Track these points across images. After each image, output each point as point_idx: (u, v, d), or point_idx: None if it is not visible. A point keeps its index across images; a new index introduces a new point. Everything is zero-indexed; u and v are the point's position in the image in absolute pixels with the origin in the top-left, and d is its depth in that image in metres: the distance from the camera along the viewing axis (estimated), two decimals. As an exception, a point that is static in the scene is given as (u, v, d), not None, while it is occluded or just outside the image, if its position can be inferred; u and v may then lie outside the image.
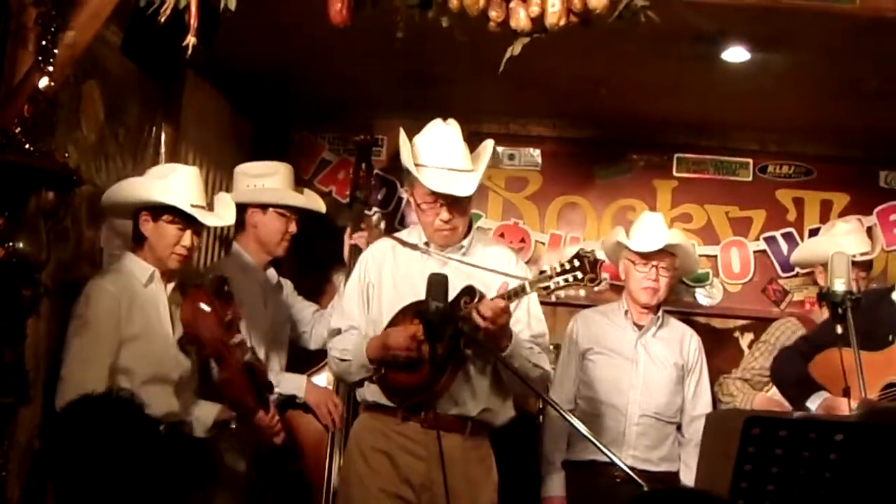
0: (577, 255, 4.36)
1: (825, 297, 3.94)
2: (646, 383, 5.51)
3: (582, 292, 4.57)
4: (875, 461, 2.63)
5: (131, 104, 5.03)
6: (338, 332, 4.80)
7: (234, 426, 4.69)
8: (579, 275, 4.32)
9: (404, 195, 6.59)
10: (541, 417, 5.82)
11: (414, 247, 4.72)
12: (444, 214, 4.55)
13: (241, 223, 5.36)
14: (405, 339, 4.41)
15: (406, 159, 4.61)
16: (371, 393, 4.66)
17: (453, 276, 4.41)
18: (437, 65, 5.66)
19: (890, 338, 4.22)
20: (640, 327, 5.63)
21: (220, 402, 4.69)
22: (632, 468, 4.59)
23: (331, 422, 5.30)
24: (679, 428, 5.58)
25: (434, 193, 4.52)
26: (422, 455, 4.50)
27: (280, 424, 4.94)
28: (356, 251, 5.50)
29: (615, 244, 5.71)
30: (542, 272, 4.43)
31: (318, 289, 6.36)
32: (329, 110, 6.68)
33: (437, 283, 4.03)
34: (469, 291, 4.42)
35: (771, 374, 5.07)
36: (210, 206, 4.65)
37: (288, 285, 5.66)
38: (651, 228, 5.66)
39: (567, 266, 4.34)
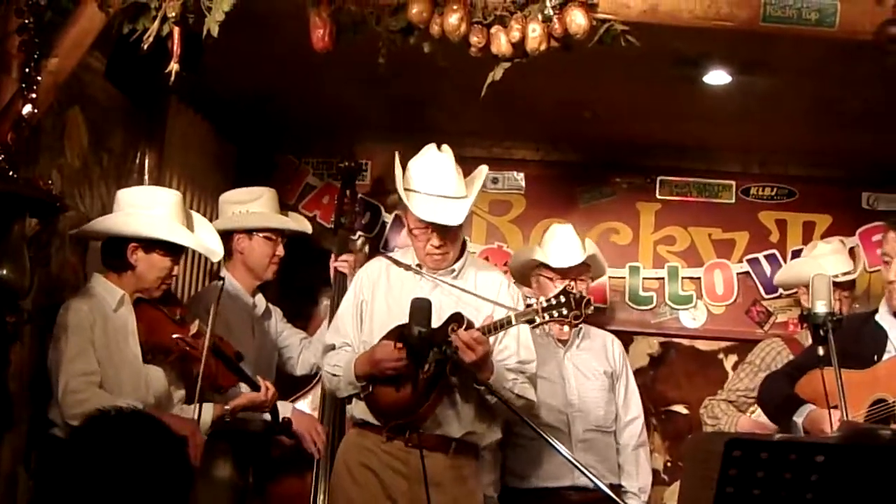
0: (564, 292, 4.50)
1: (807, 318, 3.95)
2: (581, 398, 5.42)
3: (566, 328, 5.03)
4: (856, 482, 2.64)
5: (115, 130, 5.05)
6: (332, 347, 4.84)
7: (228, 419, 4.66)
8: (565, 311, 4.43)
9: (388, 219, 6.62)
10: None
11: (407, 267, 4.77)
12: (435, 241, 4.61)
13: (228, 250, 5.34)
14: (392, 350, 4.42)
15: (398, 185, 4.66)
16: (359, 410, 4.73)
17: (444, 299, 4.57)
18: (421, 89, 5.68)
19: (875, 358, 4.23)
20: (563, 342, 5.53)
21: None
22: (583, 488, 4.74)
23: (315, 450, 5.28)
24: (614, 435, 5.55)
25: (423, 220, 4.57)
26: (405, 473, 4.56)
27: (275, 392, 4.88)
28: (341, 276, 5.62)
29: (527, 261, 5.63)
30: (528, 306, 4.60)
31: (301, 313, 6.37)
32: (313, 135, 6.71)
33: (420, 307, 4.04)
34: (457, 318, 4.48)
35: (758, 396, 5.02)
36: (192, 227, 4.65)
37: (277, 312, 5.66)
38: (566, 242, 5.57)
39: (553, 301, 4.46)
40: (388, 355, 4.45)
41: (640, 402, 5.64)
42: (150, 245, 4.42)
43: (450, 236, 4.63)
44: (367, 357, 4.58)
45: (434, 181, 4.62)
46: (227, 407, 4.67)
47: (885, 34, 4.06)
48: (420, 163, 4.70)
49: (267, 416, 4.92)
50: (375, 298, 4.78)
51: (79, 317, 4.24)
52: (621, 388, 5.58)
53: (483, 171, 4.84)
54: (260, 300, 5.50)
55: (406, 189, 4.64)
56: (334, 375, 4.74)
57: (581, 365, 5.51)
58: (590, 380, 5.47)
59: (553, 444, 3.85)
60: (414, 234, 4.66)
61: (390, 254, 5.12)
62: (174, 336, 4.50)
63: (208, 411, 4.58)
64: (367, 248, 6.51)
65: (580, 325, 5.41)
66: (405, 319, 4.35)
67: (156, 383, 4.46)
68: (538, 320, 4.46)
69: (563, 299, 4.45)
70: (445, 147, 4.77)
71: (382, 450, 4.63)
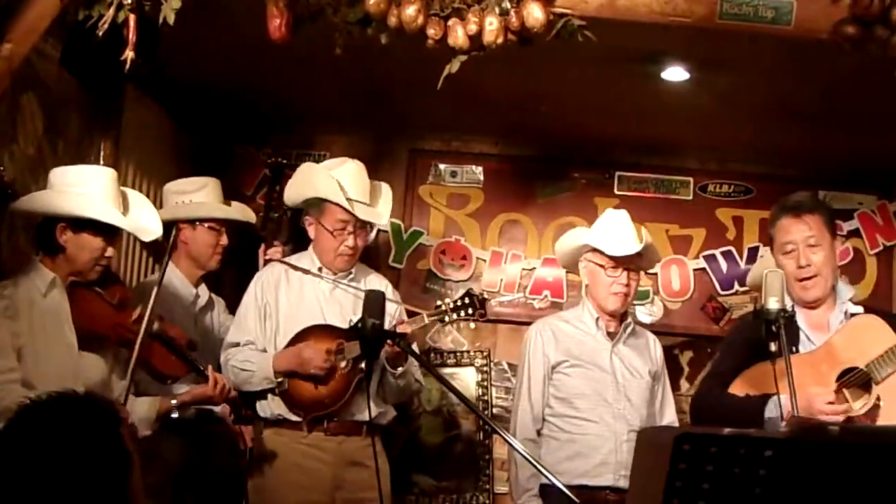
0: (468, 294, 5.25)
1: (759, 314, 3.96)
2: (627, 396, 5.09)
3: (472, 325, 5.42)
4: (804, 477, 2.65)
5: (70, 117, 5.00)
6: (236, 345, 5.11)
7: (175, 414, 4.54)
8: (471, 311, 5.18)
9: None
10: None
11: (306, 271, 5.19)
12: (351, 241, 5.10)
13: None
14: (321, 352, 4.93)
15: (328, 188, 5.07)
16: (275, 406, 5.03)
17: (343, 299, 5.15)
18: (379, 81, 5.68)
19: (793, 349, 4.22)
20: (611, 336, 5.19)
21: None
22: (621, 489, 4.77)
23: (242, 438, 5.27)
24: None
25: (345, 221, 5.06)
26: (329, 460, 4.97)
27: (224, 382, 4.71)
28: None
29: (579, 246, 5.20)
30: (437, 307, 5.24)
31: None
32: (271, 126, 6.66)
33: (374, 300, 4.03)
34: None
35: (699, 415, 4.73)
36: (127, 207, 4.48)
37: (220, 304, 5.60)
38: (622, 229, 5.14)
39: (459, 303, 5.19)
40: (316, 356, 4.93)
41: (674, 408, 5.36)
42: (79, 225, 4.19)
43: (362, 238, 5.17)
44: (291, 355, 4.99)
45: (360, 189, 5.14)
46: (173, 401, 4.54)
47: (840, 33, 4.09)
48: (344, 171, 5.16)
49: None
50: (279, 300, 5.16)
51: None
52: (660, 390, 5.29)
53: (387, 189, 5.36)
54: (203, 290, 5.45)
55: (330, 193, 5.07)
56: (244, 370, 5.01)
57: (627, 361, 5.19)
58: (635, 378, 5.16)
59: (505, 436, 3.89)
60: (333, 234, 5.08)
61: (286, 259, 5.37)
62: (111, 321, 4.34)
63: (153, 405, 4.47)
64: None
65: (628, 321, 5.26)
66: (310, 318, 5.05)
67: (90, 372, 4.24)
68: (447, 319, 5.20)
69: (467, 300, 5.18)
70: (358, 161, 5.26)
71: (303, 443, 4.98)
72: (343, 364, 4.92)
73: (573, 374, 5.09)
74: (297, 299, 5.15)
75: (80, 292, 4.31)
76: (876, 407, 4.06)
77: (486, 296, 5.44)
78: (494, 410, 6.53)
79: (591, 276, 5.18)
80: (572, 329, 5.21)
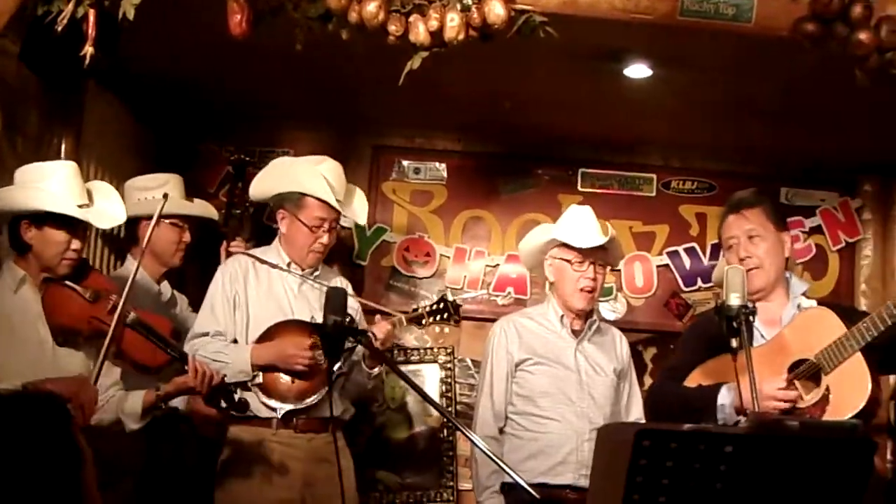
0: (443, 299, 5.56)
1: (721, 311, 3.98)
2: (591, 394, 5.05)
3: (447, 329, 5.68)
4: (763, 472, 2.67)
5: (30, 113, 4.95)
6: (204, 334, 5.01)
7: (163, 405, 4.45)
8: (446, 315, 5.49)
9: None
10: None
11: (273, 265, 5.18)
12: (325, 238, 5.13)
13: (133, 237, 5.35)
14: (304, 348, 4.90)
15: (314, 184, 5.08)
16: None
17: (310, 294, 5.15)
18: (343, 78, 5.66)
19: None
20: (576, 333, 5.15)
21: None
22: (582, 488, 4.78)
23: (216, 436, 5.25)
24: None
25: (323, 218, 5.08)
26: (300, 457, 4.95)
27: (206, 370, 4.52)
28: None
29: (545, 242, 5.15)
30: (414, 310, 5.52)
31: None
32: (235, 122, 6.63)
33: (336, 297, 4.02)
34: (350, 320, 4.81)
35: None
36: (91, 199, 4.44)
37: (183, 300, 5.59)
38: (587, 223, 5.12)
39: (434, 308, 5.50)
40: (300, 351, 4.90)
41: (642, 404, 5.28)
42: (41, 220, 4.19)
43: (333, 235, 5.20)
44: (274, 349, 4.96)
45: (341, 188, 5.21)
46: (158, 393, 4.44)
47: (800, 30, 4.12)
48: (328, 168, 5.19)
49: None
50: (248, 292, 5.12)
51: None
52: (626, 387, 5.23)
53: (360, 193, 5.47)
54: (165, 287, 5.44)
55: (317, 189, 5.08)
56: (216, 361, 4.83)
57: (591, 359, 5.15)
58: (599, 376, 5.11)
59: (467, 433, 3.89)
60: (311, 230, 5.09)
61: (251, 252, 5.35)
62: (85, 314, 4.29)
63: (138, 399, 4.39)
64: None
65: (594, 318, 5.22)
66: (279, 313, 5.05)
67: (68, 367, 4.23)
68: (423, 322, 5.49)
69: (442, 305, 5.50)
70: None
71: (273, 440, 4.95)
72: (321, 360, 4.88)
73: (536, 372, 5.07)
74: (266, 293, 5.12)
75: (52, 288, 4.29)
76: (825, 398, 4.09)
77: (458, 302, 5.68)
78: (458, 407, 6.52)
79: (558, 273, 5.13)
80: (536, 326, 5.18)
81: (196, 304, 5.39)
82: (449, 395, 6.56)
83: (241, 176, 5.98)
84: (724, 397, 4.30)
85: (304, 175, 5.14)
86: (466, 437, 4.09)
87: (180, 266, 5.52)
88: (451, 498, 6.46)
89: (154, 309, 5.17)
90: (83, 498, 2.45)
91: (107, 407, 4.37)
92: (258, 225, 6.44)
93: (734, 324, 3.90)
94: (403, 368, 6.13)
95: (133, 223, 5.25)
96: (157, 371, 4.56)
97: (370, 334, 4.72)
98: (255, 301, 5.10)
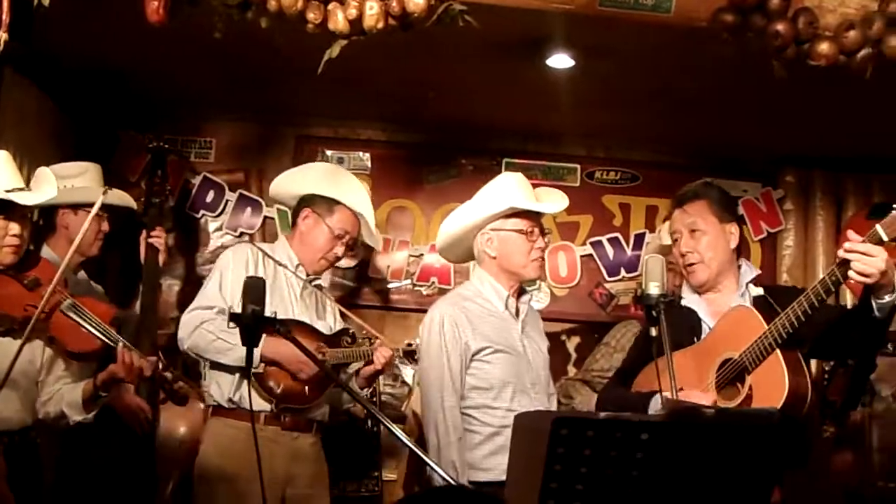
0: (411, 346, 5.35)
1: (640, 300, 4.00)
2: (539, 379, 4.76)
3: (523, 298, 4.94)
4: (679, 459, 2.69)
5: (-55, 102, 4.87)
6: (211, 308, 4.87)
7: (103, 394, 4.35)
8: (408, 361, 5.52)
9: (232, 198, 6.53)
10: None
11: (282, 265, 5.12)
12: (341, 250, 5.17)
13: (51, 225, 5.28)
14: (313, 364, 4.54)
15: (360, 200, 5.23)
16: (229, 393, 4.90)
17: (310, 302, 5.14)
18: (265, 67, 5.63)
19: (695, 340, 4.31)
20: (517, 313, 4.81)
21: None
22: None
23: (140, 429, 5.20)
24: None
25: (348, 232, 5.12)
26: (283, 454, 4.93)
27: (135, 360, 4.38)
28: (153, 251, 5.58)
29: (482, 220, 4.79)
30: (409, 344, 5.34)
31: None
32: (157, 111, 6.55)
33: (255, 286, 3.98)
34: (351, 334, 5.18)
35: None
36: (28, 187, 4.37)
37: (98, 290, 5.53)
38: (529, 187, 4.86)
39: (408, 351, 5.34)
40: (309, 363, 4.74)
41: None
42: None
43: (347, 252, 5.29)
44: (283, 348, 4.47)
45: (370, 213, 5.32)
46: (95, 382, 4.34)
47: (719, 21, 4.15)
48: (362, 189, 5.44)
49: None
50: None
51: None
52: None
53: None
54: (82, 276, 5.39)
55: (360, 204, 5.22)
56: (223, 341, 4.78)
57: (532, 340, 4.83)
58: (541, 357, 4.83)
59: (392, 429, 3.81)
60: (337, 237, 5.10)
61: (260, 245, 5.30)
62: (21, 301, 4.19)
63: (77, 389, 4.33)
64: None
65: (527, 296, 4.91)
66: (282, 312, 4.78)
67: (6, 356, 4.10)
68: (417, 358, 5.21)
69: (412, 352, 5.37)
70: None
71: (259, 435, 4.47)
72: (328, 366, 4.82)
73: (494, 361, 4.67)
74: (273, 289, 4.78)
75: None
76: (748, 397, 4.11)
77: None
78: (382, 398, 6.50)
79: (504, 246, 4.73)
80: (480, 309, 4.74)
81: (114, 295, 5.35)
82: (373, 385, 6.54)
83: (160, 164, 5.90)
84: (655, 405, 4.27)
85: (347, 185, 5.25)
86: (391, 432, 3.88)
87: (98, 256, 5.44)
88: (376, 488, 6.44)
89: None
90: None
91: (53, 400, 4.35)
92: (180, 214, 6.39)
93: (654, 313, 3.91)
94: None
95: (51, 211, 5.19)
96: (92, 358, 4.49)
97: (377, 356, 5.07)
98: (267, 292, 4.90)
